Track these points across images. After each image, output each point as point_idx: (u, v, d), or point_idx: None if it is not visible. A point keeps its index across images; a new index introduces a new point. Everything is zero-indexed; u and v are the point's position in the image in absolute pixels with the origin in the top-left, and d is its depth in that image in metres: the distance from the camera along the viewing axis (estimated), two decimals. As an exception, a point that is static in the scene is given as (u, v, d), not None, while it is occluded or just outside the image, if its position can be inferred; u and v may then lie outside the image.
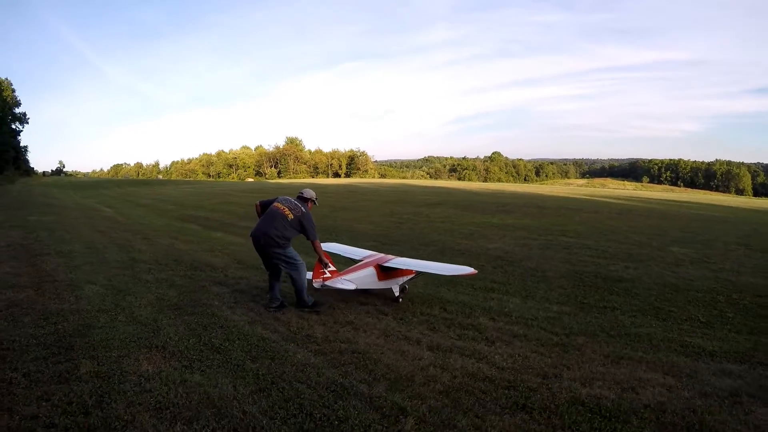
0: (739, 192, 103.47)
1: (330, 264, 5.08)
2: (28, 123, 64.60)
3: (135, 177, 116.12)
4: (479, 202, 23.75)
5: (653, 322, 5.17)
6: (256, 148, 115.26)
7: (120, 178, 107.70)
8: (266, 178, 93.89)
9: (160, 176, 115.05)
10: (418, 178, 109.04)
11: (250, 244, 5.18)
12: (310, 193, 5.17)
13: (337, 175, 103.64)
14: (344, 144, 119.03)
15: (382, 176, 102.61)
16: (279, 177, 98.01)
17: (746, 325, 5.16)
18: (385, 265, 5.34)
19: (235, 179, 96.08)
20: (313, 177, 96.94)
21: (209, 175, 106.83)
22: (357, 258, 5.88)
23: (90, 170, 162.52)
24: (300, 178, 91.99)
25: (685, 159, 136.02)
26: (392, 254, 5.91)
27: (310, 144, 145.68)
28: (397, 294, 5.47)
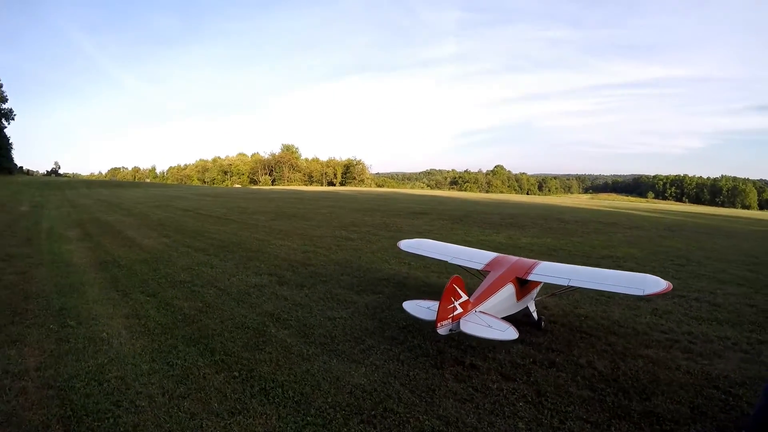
0: (745, 208, 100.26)
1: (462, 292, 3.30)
2: (14, 119, 63.48)
3: (131, 180, 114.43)
4: (478, 213, 19.68)
5: None
6: (252, 155, 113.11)
7: (112, 179, 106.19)
8: (260, 185, 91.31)
9: (148, 180, 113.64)
10: (417, 189, 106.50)
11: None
12: None
13: (331, 183, 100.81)
14: (344, 155, 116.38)
15: (379, 186, 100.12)
16: (273, 184, 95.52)
17: None
18: (527, 278, 3.51)
19: (229, 185, 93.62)
20: (307, 185, 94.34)
21: (204, 181, 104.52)
22: (472, 263, 3.95)
23: (89, 173, 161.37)
24: (294, 185, 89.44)
25: (690, 175, 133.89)
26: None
27: (308, 153, 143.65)
28: (535, 316, 3.84)
